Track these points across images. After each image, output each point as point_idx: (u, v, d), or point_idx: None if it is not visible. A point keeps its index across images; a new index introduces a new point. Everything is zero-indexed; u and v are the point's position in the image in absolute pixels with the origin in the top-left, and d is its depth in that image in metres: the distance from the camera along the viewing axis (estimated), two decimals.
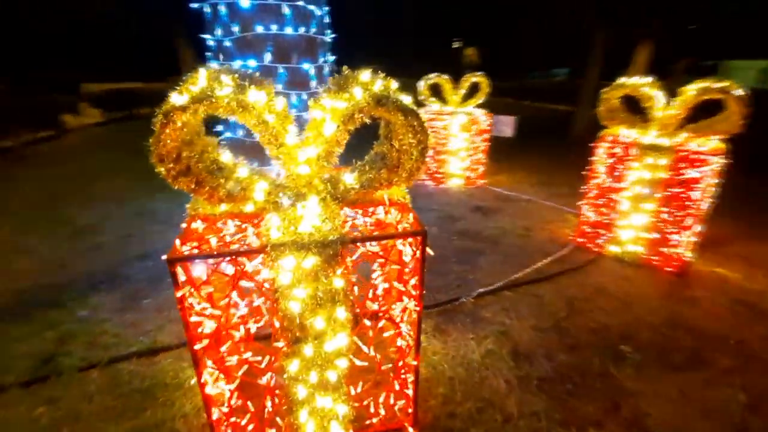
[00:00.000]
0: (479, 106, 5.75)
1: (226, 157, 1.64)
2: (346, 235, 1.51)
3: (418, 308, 1.76)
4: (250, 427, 1.81)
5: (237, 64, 3.56)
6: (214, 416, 1.64)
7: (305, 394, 1.63)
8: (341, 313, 1.55)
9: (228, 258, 1.48)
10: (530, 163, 7.08)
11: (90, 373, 2.25)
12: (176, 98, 1.36)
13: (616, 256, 3.62)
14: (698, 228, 3.45)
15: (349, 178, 1.80)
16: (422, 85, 5.58)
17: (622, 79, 3.51)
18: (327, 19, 3.91)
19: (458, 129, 5.45)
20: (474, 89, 5.63)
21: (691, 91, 3.26)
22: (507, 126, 9.67)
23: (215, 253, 1.45)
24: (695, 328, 2.73)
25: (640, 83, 3.42)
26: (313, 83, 3.81)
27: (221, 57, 3.64)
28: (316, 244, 1.44)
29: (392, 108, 1.61)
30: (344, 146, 1.77)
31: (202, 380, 1.55)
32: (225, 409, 1.73)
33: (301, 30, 3.58)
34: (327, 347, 1.58)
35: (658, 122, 3.42)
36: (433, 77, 5.55)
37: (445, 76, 5.57)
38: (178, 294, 1.42)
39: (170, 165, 1.44)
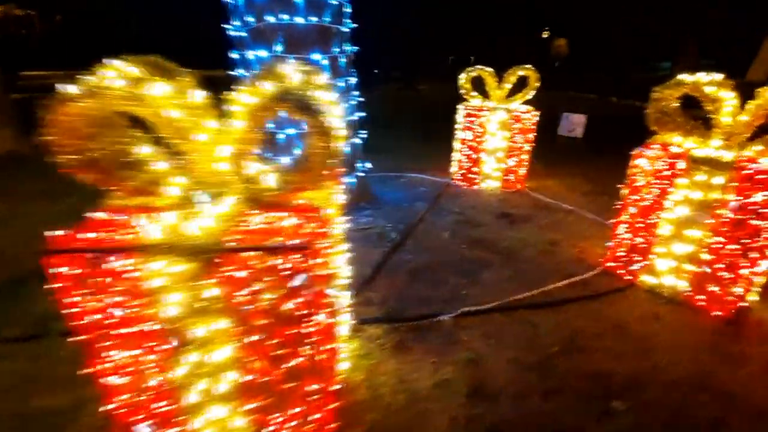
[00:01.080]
0: (528, 102, 5.20)
1: (145, 150, 1.60)
2: (221, 242, 1.38)
3: (334, 323, 1.59)
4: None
5: (250, 54, 3.60)
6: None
7: (196, 401, 1.57)
8: (223, 323, 1.45)
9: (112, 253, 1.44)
10: (589, 169, 6.27)
11: None
12: (67, 89, 1.34)
13: (651, 288, 3.02)
14: (764, 265, 2.74)
15: (271, 179, 1.68)
16: (463, 77, 5.19)
17: (683, 76, 2.88)
18: (346, 8, 3.78)
19: (497, 127, 4.99)
20: (522, 84, 5.10)
21: None
22: (576, 125, 8.75)
23: (87, 248, 1.42)
24: (727, 395, 2.16)
25: (705, 81, 2.77)
26: (327, 74, 3.71)
27: (241, 48, 3.71)
28: (184, 249, 1.35)
29: (294, 106, 1.44)
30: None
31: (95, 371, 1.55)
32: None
33: (313, 20, 3.49)
34: (213, 357, 1.50)
35: (724, 131, 2.75)
36: (474, 69, 5.13)
37: (489, 69, 5.11)
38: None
39: (72, 156, 1.44)
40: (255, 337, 1.57)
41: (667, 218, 2.86)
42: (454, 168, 5.44)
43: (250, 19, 3.49)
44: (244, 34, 3.59)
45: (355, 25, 3.88)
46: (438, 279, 3.13)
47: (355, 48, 4.04)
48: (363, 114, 4.31)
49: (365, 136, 4.41)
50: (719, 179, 2.60)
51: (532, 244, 3.72)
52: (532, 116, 4.98)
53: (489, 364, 2.31)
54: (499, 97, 5.17)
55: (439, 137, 6.15)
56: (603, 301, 2.93)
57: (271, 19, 3.41)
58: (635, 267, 3.10)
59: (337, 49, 3.71)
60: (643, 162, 2.94)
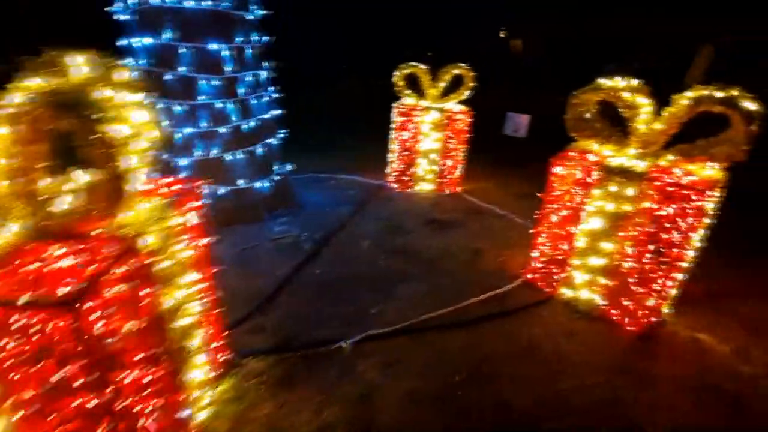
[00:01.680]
0: (464, 101, 5.01)
1: None
2: None
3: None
4: None
5: (136, 42, 3.13)
6: None
7: None
8: None
9: None
10: (529, 170, 6.21)
11: None
12: None
13: (569, 302, 2.89)
14: (678, 277, 2.66)
15: (64, 202, 1.30)
16: (397, 74, 4.92)
17: (601, 80, 2.74)
18: None
19: (429, 127, 4.77)
20: (459, 83, 4.91)
21: (684, 99, 2.46)
22: (520, 125, 8.75)
23: None
24: (633, 425, 2.01)
25: (621, 86, 2.63)
26: (230, 67, 3.31)
27: (128, 35, 3.22)
28: None
29: (60, 109, 1.08)
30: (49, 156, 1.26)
31: None
32: None
33: (207, 3, 3.07)
34: None
35: (640, 139, 2.63)
36: (408, 66, 4.88)
37: (423, 66, 4.87)
38: None
39: None
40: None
41: (583, 229, 2.72)
42: (389, 170, 5.18)
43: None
44: (127, 17, 3.11)
45: (264, 12, 3.50)
46: (347, 296, 2.84)
47: (266, 38, 3.65)
48: (279, 111, 3.93)
49: (284, 135, 4.04)
50: (631, 190, 2.47)
51: (455, 253, 3.51)
52: (466, 117, 4.79)
53: (383, 399, 2.04)
54: (434, 96, 4.95)
55: (383, 136, 5.87)
56: (519, 317, 2.75)
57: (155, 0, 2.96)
58: (555, 279, 2.96)
59: (241, 39, 3.31)
60: (560, 170, 2.78)
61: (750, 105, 2.27)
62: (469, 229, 4.02)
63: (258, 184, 3.70)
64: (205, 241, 1.93)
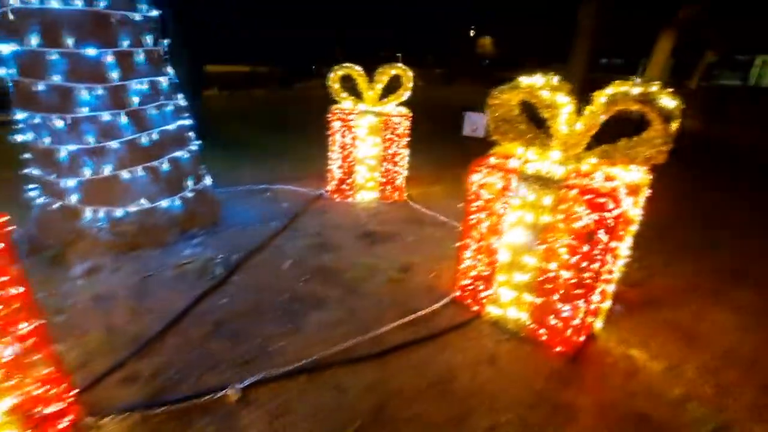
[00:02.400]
0: (404, 104, 4.76)
1: None
2: None
3: None
4: None
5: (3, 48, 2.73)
6: None
7: None
8: None
9: None
10: None
11: None
12: None
13: (497, 321, 2.64)
14: (609, 289, 2.45)
15: None
16: (330, 77, 4.62)
17: (521, 78, 2.50)
18: None
19: (366, 132, 4.49)
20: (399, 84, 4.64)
21: (602, 97, 2.24)
22: (478, 125, 8.59)
23: None
24: None
25: (539, 85, 2.40)
26: (115, 74, 2.94)
27: None
28: None
29: None
30: None
31: None
32: None
33: (77, 3, 2.70)
34: None
35: (561, 141, 2.41)
36: (342, 68, 4.58)
37: (358, 68, 4.59)
38: None
39: None
40: None
41: (505, 243, 2.48)
42: (329, 179, 4.87)
43: None
44: None
45: (157, 13, 3.14)
46: (250, 330, 2.52)
47: (165, 42, 3.30)
48: (187, 121, 3.58)
49: (197, 147, 3.69)
50: (548, 199, 2.24)
51: (383, 270, 3.23)
52: (404, 120, 4.53)
53: None
54: (372, 99, 4.67)
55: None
56: (440, 342, 2.48)
57: (14, 1, 2.57)
58: (483, 296, 2.71)
59: (128, 42, 2.94)
60: (477, 178, 2.53)
61: (668, 102, 2.06)
62: (405, 241, 3.75)
63: (165, 203, 3.33)
64: (18, 289, 1.57)
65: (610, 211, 2.05)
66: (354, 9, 23.15)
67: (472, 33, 33.63)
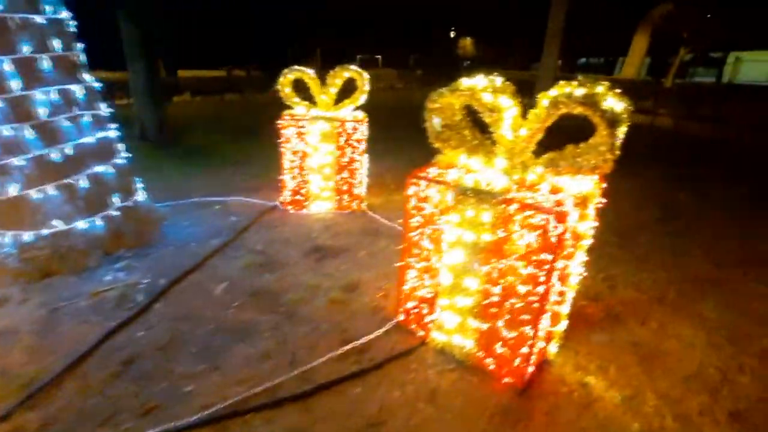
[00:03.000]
0: (361, 108, 4.50)
1: None
2: None
3: None
4: None
5: None
6: None
7: None
8: None
9: None
10: None
11: None
12: None
13: (443, 348, 2.39)
14: (563, 310, 2.22)
15: None
16: (281, 81, 4.33)
17: (462, 80, 2.25)
18: None
19: (318, 139, 4.21)
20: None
21: (544, 100, 2.01)
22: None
23: None
24: None
25: (480, 86, 2.15)
26: (15, 84, 2.61)
27: None
28: None
29: None
30: None
31: None
32: None
33: None
34: None
35: (506, 149, 2.17)
36: (292, 71, 4.30)
37: (309, 71, 4.32)
38: None
39: None
40: None
41: (446, 263, 2.23)
42: (282, 188, 4.57)
43: None
44: None
45: (67, 15, 2.83)
46: (161, 370, 2.21)
47: (81, 46, 2.98)
48: (112, 134, 3.26)
49: (124, 161, 3.37)
50: (488, 215, 1.99)
51: (326, 290, 2.96)
52: (359, 125, 4.27)
53: None
54: (325, 103, 4.40)
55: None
56: (378, 375, 2.22)
57: None
58: (428, 321, 2.46)
59: (31, 48, 2.62)
60: (414, 191, 2.28)
61: (614, 104, 1.84)
62: (356, 255, 3.48)
63: (83, 224, 3.00)
64: None
65: (553, 228, 1.81)
66: (331, 10, 22.90)
67: (452, 34, 33.64)
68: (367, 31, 25.98)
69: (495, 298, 2.06)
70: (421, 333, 2.49)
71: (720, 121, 9.91)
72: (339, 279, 3.11)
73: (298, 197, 4.44)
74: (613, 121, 1.76)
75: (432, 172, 2.28)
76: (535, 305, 1.97)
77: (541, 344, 2.22)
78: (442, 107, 2.32)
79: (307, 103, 4.48)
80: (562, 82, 1.99)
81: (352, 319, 2.66)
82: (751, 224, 4.50)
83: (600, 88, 1.92)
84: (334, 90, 4.36)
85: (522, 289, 1.96)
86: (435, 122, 2.36)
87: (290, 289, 2.97)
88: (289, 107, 4.49)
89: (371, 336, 2.49)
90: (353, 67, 4.31)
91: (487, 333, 2.16)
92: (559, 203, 1.88)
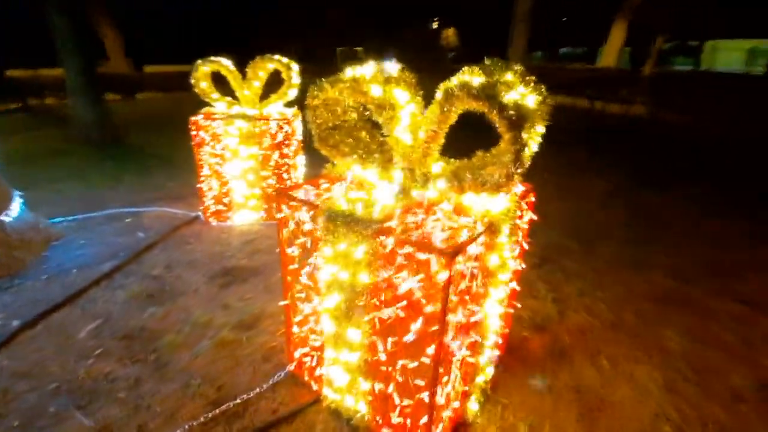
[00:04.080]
0: (291, 104, 3.96)
1: None
2: None
3: None
4: None
5: None
6: None
7: None
8: None
9: None
10: None
11: None
12: None
13: (337, 410, 1.90)
14: (481, 360, 1.74)
15: None
16: (195, 75, 3.76)
17: (348, 71, 1.73)
18: None
19: (237, 141, 3.67)
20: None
21: (438, 93, 1.51)
22: None
23: None
24: None
25: (369, 77, 1.64)
26: None
27: None
28: None
29: None
30: None
31: None
32: None
33: None
34: None
35: (403, 156, 1.67)
36: (207, 62, 3.74)
37: (226, 62, 3.76)
38: None
39: None
40: None
41: (325, 308, 1.73)
42: (208, 197, 4.02)
43: None
44: None
45: None
46: None
47: None
48: None
49: None
50: (361, 250, 1.49)
51: (217, 329, 2.44)
52: (285, 123, 3.73)
53: None
54: (249, 99, 3.85)
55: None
56: None
57: None
58: (319, 374, 1.96)
59: None
60: (287, 214, 1.77)
61: (516, 97, 1.35)
62: (269, 280, 2.96)
63: None
64: None
65: (440, 272, 1.32)
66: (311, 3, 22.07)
67: (435, 25, 32.97)
68: (345, 22, 25.21)
69: (382, 356, 1.57)
70: (316, 387, 2.00)
71: (694, 108, 9.59)
72: (238, 312, 2.59)
73: (220, 207, 3.90)
74: (515, 120, 1.26)
75: (307, 189, 1.78)
76: (432, 366, 1.49)
77: (455, 404, 1.75)
78: (328, 103, 1.81)
79: (229, 99, 3.93)
80: (465, 68, 1.50)
81: (235, 369, 2.15)
82: (723, 228, 4.10)
83: (509, 76, 1.43)
84: (258, 84, 3.82)
85: (413, 346, 1.48)
86: (318, 122, 1.86)
87: (174, 327, 2.45)
88: (207, 104, 3.95)
89: (252, 393, 1.98)
90: (277, 57, 3.76)
91: (381, 397, 1.68)
92: (452, 235, 1.39)
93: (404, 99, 1.64)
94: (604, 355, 2.27)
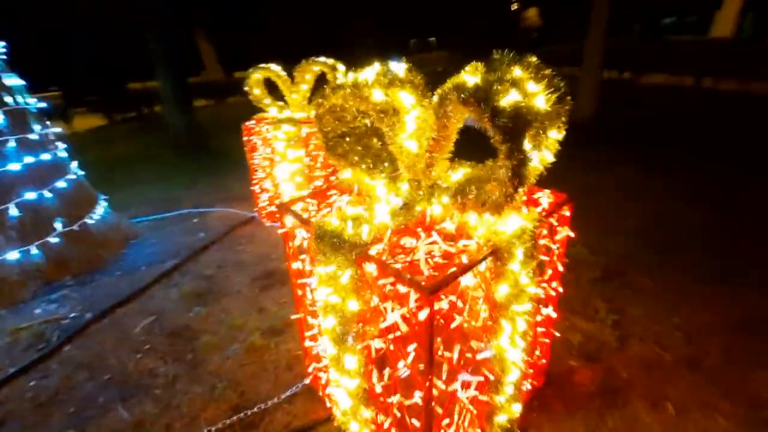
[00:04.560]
0: None
1: None
2: None
3: None
4: None
5: None
6: None
7: None
8: None
9: None
10: None
11: None
12: None
13: (345, 431, 1.82)
14: (501, 399, 1.54)
15: None
16: (247, 82, 3.93)
17: (350, 74, 1.63)
18: None
19: (284, 144, 3.75)
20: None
21: (434, 96, 1.32)
22: None
23: None
24: None
25: (371, 80, 1.52)
26: None
27: None
28: None
29: None
30: None
31: None
32: None
33: None
34: None
35: (407, 167, 1.52)
36: (259, 69, 3.87)
37: (276, 68, 3.85)
38: None
39: None
40: None
41: (324, 329, 1.64)
42: (263, 199, 4.21)
43: None
44: None
45: None
46: None
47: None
48: (47, 157, 3.10)
49: (66, 185, 3.21)
50: (347, 274, 1.36)
51: (248, 333, 2.51)
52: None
53: None
54: (298, 103, 3.92)
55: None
56: None
57: None
58: (330, 391, 1.90)
59: None
60: (289, 225, 1.72)
61: (516, 102, 1.11)
62: None
63: (14, 255, 2.89)
64: None
65: (419, 307, 1.15)
66: None
67: (515, 6, 30.96)
68: (416, 14, 24.74)
69: (378, 388, 1.45)
70: (329, 404, 1.94)
71: None
72: (271, 316, 2.65)
73: (273, 208, 4.06)
74: (511, 129, 1.03)
75: (310, 202, 1.70)
76: (430, 406, 1.32)
77: None
78: (335, 110, 1.71)
79: (280, 104, 4.04)
80: (473, 64, 1.30)
81: (259, 376, 2.19)
82: None
83: (517, 71, 1.20)
84: (305, 87, 3.87)
85: (408, 380, 1.33)
86: (326, 131, 1.77)
87: (211, 328, 2.58)
88: (261, 110, 4.11)
89: (269, 403, 1.99)
90: (322, 59, 3.76)
91: (382, 428, 1.55)
92: (445, 263, 1.20)
93: (410, 102, 1.47)
94: (671, 401, 1.87)
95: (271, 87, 4.02)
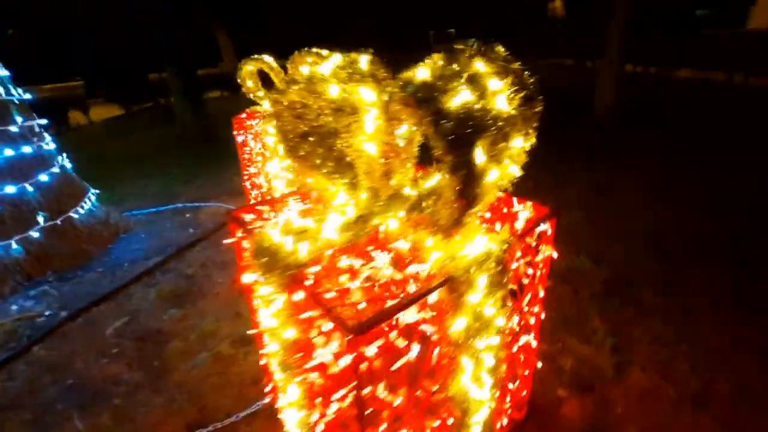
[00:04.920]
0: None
1: None
2: None
3: None
4: None
5: None
6: None
7: None
8: None
9: None
10: None
11: None
12: None
13: None
14: None
15: None
16: (240, 73, 3.78)
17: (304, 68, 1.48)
18: None
19: (275, 139, 3.60)
20: None
21: (385, 96, 1.13)
22: None
23: None
24: None
25: (328, 73, 1.34)
26: None
27: None
28: None
29: None
30: None
31: None
32: None
33: None
34: None
35: (365, 173, 1.34)
36: (251, 60, 3.71)
37: (268, 58, 3.68)
38: None
39: None
40: None
41: (270, 351, 1.48)
42: (254, 194, 4.09)
43: None
44: None
45: None
46: None
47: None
48: (28, 150, 3.03)
49: (49, 178, 3.14)
50: (280, 300, 1.19)
51: (219, 340, 2.38)
52: None
53: None
54: None
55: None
56: None
57: None
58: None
59: None
60: (243, 245, 1.56)
61: (466, 103, 0.91)
62: None
63: None
64: None
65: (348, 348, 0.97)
66: None
67: None
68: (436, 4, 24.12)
69: (321, 424, 1.28)
70: (285, 427, 1.80)
71: None
72: (244, 323, 2.49)
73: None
74: (454, 140, 0.83)
75: (263, 210, 1.54)
76: None
77: None
78: (295, 107, 1.53)
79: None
80: (435, 55, 1.10)
81: (222, 389, 2.06)
82: None
83: (480, 65, 0.99)
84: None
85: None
86: (285, 130, 1.59)
87: (183, 333, 2.47)
88: (254, 103, 3.96)
89: (226, 422, 1.86)
90: (316, 50, 3.57)
91: None
92: (384, 295, 1.02)
93: (371, 99, 1.28)
94: None
95: (269, 83, 3.87)
